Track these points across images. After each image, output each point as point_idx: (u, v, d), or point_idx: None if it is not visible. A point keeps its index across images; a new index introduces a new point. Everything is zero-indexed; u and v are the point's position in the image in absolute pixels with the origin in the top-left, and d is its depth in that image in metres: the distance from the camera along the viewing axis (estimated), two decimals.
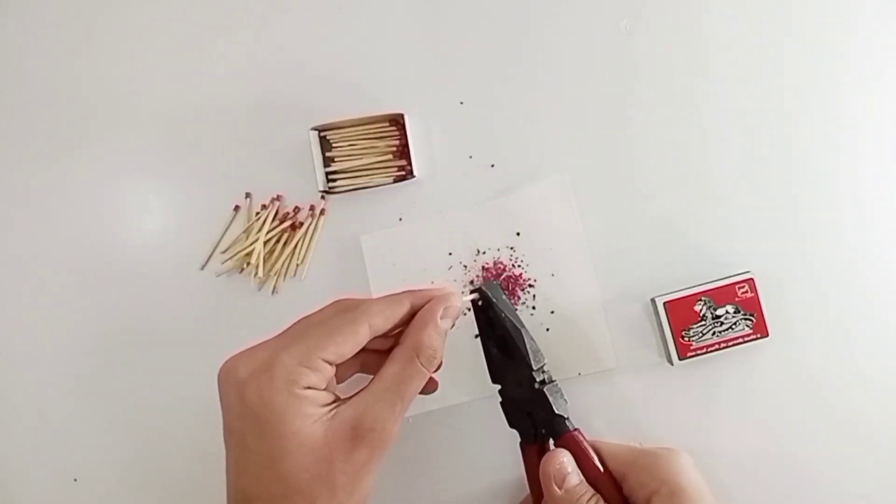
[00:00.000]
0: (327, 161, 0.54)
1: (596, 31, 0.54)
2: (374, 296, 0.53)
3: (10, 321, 0.56)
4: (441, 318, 0.42)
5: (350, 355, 0.40)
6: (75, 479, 0.55)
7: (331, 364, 0.39)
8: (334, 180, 0.54)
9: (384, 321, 0.41)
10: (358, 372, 0.46)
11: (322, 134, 0.54)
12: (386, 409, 0.40)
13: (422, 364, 0.41)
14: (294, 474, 0.38)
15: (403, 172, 0.54)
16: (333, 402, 0.40)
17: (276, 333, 0.42)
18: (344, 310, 0.42)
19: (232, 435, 0.39)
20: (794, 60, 0.53)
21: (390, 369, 0.41)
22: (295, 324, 0.42)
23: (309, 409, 0.39)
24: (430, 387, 0.47)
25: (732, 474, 0.51)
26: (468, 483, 0.53)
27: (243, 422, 0.39)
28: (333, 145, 0.54)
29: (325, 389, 0.40)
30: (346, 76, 0.55)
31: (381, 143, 0.54)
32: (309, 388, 0.39)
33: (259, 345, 0.41)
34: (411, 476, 0.53)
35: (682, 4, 0.54)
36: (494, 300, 0.47)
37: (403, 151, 0.53)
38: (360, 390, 0.41)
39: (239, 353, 0.41)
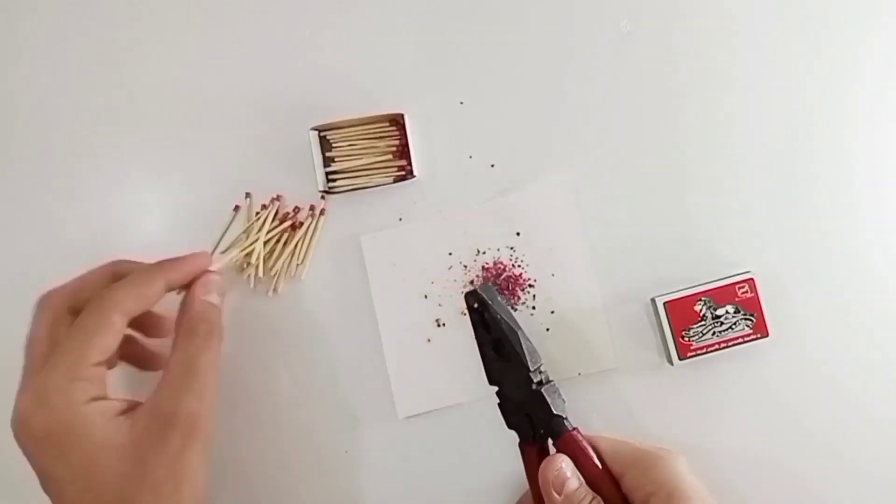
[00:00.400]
0: (327, 161, 0.54)
1: (596, 31, 0.54)
2: (375, 296, 0.53)
3: (9, 321, 0.56)
4: (205, 297, 0.43)
5: (115, 347, 0.40)
6: None
7: (100, 366, 0.39)
8: (334, 180, 0.54)
9: (136, 303, 0.41)
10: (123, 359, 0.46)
11: (322, 134, 0.54)
12: (184, 391, 0.40)
13: (202, 337, 0.42)
14: (113, 484, 0.38)
15: (403, 172, 0.54)
16: (128, 408, 0.40)
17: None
18: (90, 304, 0.41)
19: (46, 482, 0.39)
20: (795, 60, 0.53)
21: (175, 355, 0.42)
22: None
23: (102, 421, 0.38)
24: (155, 364, 0.48)
25: (732, 474, 0.51)
26: (467, 483, 0.53)
27: (45, 459, 0.38)
28: (333, 145, 0.54)
29: (111, 397, 0.40)
30: (347, 76, 0.55)
31: (381, 143, 0.54)
32: (94, 399, 0.39)
33: (25, 377, 0.41)
34: (410, 477, 0.53)
35: (682, 4, 0.54)
36: (490, 302, 0.47)
37: (403, 151, 0.53)
38: (156, 387, 0.41)
39: (17, 395, 0.40)
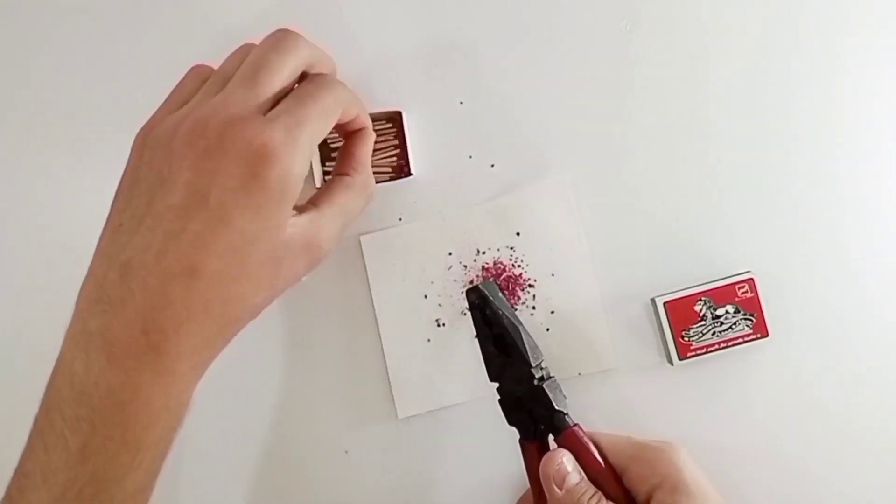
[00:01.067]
0: (325, 160, 0.54)
1: (596, 31, 0.54)
2: (375, 298, 0.53)
3: (9, 321, 0.56)
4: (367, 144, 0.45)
5: None
6: None
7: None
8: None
9: (346, 114, 0.42)
10: None
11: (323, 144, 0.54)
12: (336, 231, 0.42)
13: (359, 188, 0.44)
14: (257, 261, 0.37)
15: (401, 171, 0.53)
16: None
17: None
18: (325, 83, 0.41)
19: (209, 203, 0.35)
20: (795, 60, 0.53)
21: (339, 194, 0.42)
22: (293, 95, 0.39)
23: (291, 206, 0.38)
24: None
25: (732, 474, 0.51)
26: (467, 483, 0.53)
27: (242, 194, 0.35)
28: (331, 145, 0.54)
29: None
30: (346, 76, 0.55)
31: (378, 142, 0.54)
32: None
33: (271, 113, 0.37)
34: (410, 476, 0.53)
35: (682, 4, 0.54)
36: (492, 298, 0.47)
37: (401, 150, 0.53)
38: (313, 207, 0.41)
39: (253, 112, 0.36)
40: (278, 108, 0.38)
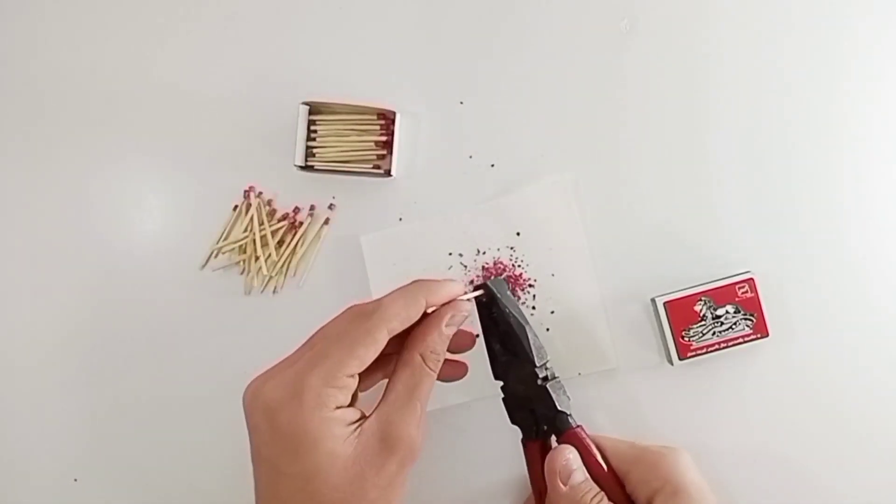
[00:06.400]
0: (310, 139, 0.54)
1: (596, 31, 0.54)
2: (375, 296, 0.53)
3: (9, 321, 0.56)
4: (446, 326, 0.43)
5: (372, 360, 0.40)
6: (75, 479, 0.55)
7: (353, 377, 0.40)
8: (313, 155, 0.54)
9: (401, 323, 0.41)
10: (380, 378, 0.46)
11: (311, 126, 0.54)
12: (408, 416, 0.41)
13: (429, 368, 0.42)
14: (328, 495, 0.38)
15: (380, 169, 0.53)
16: (360, 418, 0.40)
17: (295, 349, 0.41)
18: (359, 316, 0.41)
19: (262, 461, 0.40)
20: (795, 60, 0.53)
21: (402, 377, 0.41)
22: (312, 338, 0.42)
23: (339, 430, 0.39)
24: (459, 372, 0.48)
25: (732, 474, 0.51)
26: (469, 483, 0.53)
27: (274, 447, 0.39)
28: (319, 132, 0.54)
29: (350, 405, 0.40)
30: (347, 76, 0.55)
31: (367, 136, 0.53)
32: (338, 407, 0.39)
33: (280, 365, 0.41)
34: (411, 476, 0.53)
35: (682, 4, 0.54)
36: (500, 296, 0.47)
37: (387, 149, 0.53)
38: (377, 404, 0.41)
39: (263, 375, 0.40)
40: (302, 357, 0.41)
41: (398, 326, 0.41)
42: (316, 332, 0.42)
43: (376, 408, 0.41)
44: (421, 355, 0.42)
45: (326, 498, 0.38)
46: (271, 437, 0.39)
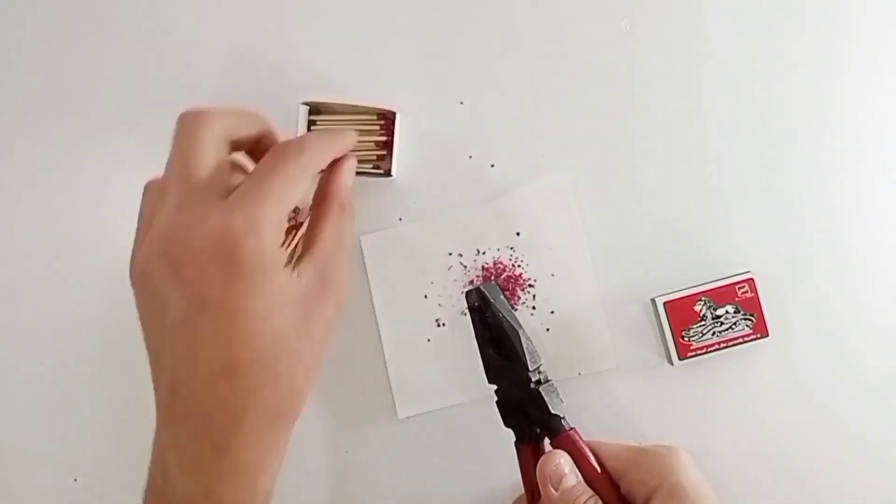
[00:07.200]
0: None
1: (596, 31, 0.54)
2: (375, 298, 0.53)
3: (9, 321, 0.56)
4: (349, 177, 0.43)
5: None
6: (75, 479, 0.55)
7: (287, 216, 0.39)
8: None
9: (318, 168, 0.41)
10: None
11: (311, 126, 0.54)
12: (340, 261, 0.41)
13: (349, 217, 0.42)
14: (283, 333, 0.37)
15: (380, 169, 0.53)
16: (290, 259, 0.39)
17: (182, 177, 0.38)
18: (287, 154, 0.40)
19: (208, 305, 0.36)
20: (795, 60, 0.53)
21: (325, 228, 0.41)
22: (254, 172, 0.39)
23: (287, 268, 0.38)
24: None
25: (732, 474, 0.51)
26: (467, 483, 0.53)
27: (230, 282, 0.36)
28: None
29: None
30: (346, 76, 0.55)
31: (367, 137, 0.53)
32: (282, 244, 0.38)
33: (197, 198, 0.37)
34: (410, 477, 0.53)
35: (683, 4, 0.54)
36: (492, 300, 0.47)
37: (387, 149, 0.53)
38: (306, 250, 0.41)
39: (208, 210, 0.36)
40: (239, 188, 0.38)
41: (316, 171, 0.41)
42: (258, 166, 0.40)
43: (307, 252, 0.40)
44: (341, 207, 0.42)
45: (282, 337, 0.37)
46: (229, 273, 0.35)
